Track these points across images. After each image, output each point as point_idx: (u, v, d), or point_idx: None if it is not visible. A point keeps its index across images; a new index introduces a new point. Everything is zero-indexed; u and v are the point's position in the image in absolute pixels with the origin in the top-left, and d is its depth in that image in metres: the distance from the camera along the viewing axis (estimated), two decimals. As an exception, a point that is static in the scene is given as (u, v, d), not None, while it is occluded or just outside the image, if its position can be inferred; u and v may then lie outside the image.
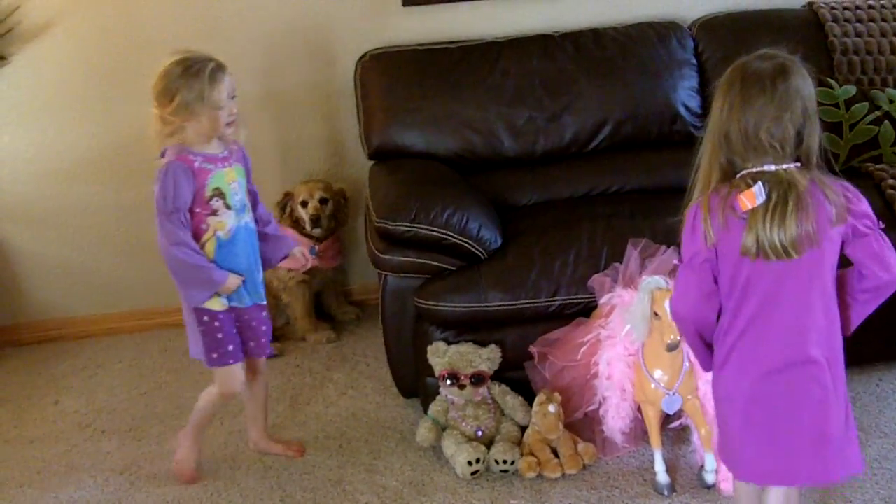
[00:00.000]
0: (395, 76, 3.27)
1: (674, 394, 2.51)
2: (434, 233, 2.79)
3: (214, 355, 2.55)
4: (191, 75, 2.37)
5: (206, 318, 2.51)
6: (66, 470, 2.83)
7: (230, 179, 2.48)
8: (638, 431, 2.68)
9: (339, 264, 3.57)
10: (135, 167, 3.48)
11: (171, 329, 3.62)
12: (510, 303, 2.78)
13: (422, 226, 2.78)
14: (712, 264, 1.97)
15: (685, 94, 3.30)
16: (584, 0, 3.39)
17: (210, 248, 2.47)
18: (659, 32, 3.37)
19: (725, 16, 3.38)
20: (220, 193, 2.45)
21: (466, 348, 2.77)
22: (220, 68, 2.42)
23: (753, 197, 1.88)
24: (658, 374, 2.51)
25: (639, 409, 2.63)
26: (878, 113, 3.22)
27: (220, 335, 2.53)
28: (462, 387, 2.73)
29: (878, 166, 3.14)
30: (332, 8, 3.39)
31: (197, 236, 2.45)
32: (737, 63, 1.99)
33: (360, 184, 3.53)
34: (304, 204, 3.36)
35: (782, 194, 1.87)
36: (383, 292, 2.89)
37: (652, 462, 2.58)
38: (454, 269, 2.83)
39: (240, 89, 2.41)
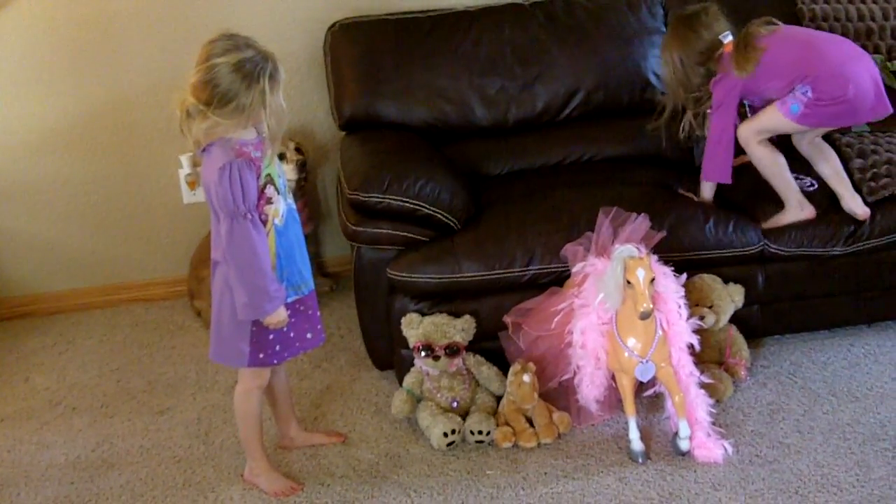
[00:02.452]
0: (365, 46, 3.24)
1: (647, 362, 2.52)
2: (407, 204, 2.78)
3: (261, 355, 2.40)
4: (249, 79, 2.17)
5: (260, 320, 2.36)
6: (36, 448, 2.80)
7: (272, 161, 2.33)
8: (612, 400, 2.70)
9: (309, 231, 3.54)
10: (104, 139, 3.44)
11: (143, 303, 3.60)
12: (484, 273, 2.78)
13: (394, 197, 2.77)
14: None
15: (655, 62, 3.28)
16: (555, -32, 3.37)
17: (272, 239, 2.33)
18: (629, 1, 3.35)
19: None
20: (270, 179, 2.31)
21: (441, 319, 2.77)
22: (277, 69, 2.22)
23: None
24: (631, 342, 2.52)
25: (613, 378, 2.65)
26: (846, 79, 3.22)
27: (271, 336, 2.39)
28: (437, 358, 2.73)
29: (844, 140, 3.11)
30: (301, -25, 3.35)
31: None
32: None
33: (332, 155, 3.52)
34: (282, 157, 3.29)
35: None
36: (356, 264, 2.88)
37: (626, 430, 2.60)
38: (427, 240, 2.83)
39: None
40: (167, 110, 3.29)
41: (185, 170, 3.49)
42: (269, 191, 2.31)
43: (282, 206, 2.35)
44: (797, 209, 2.91)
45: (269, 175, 2.31)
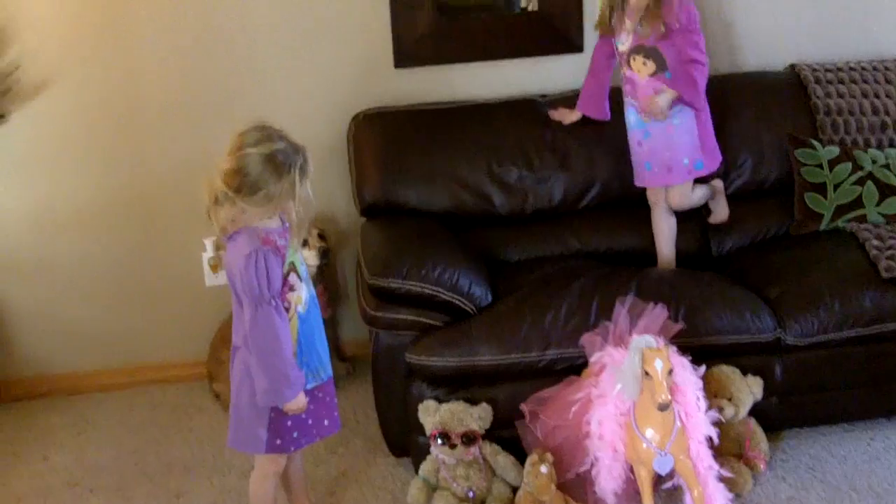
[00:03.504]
0: (387, 135, 3.32)
1: (665, 454, 2.51)
2: (425, 289, 2.81)
3: (278, 441, 2.41)
4: (279, 170, 2.22)
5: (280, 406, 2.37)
6: (53, 529, 2.81)
7: (294, 248, 2.38)
8: (630, 492, 2.67)
9: (328, 315, 3.57)
10: (129, 220, 3.50)
11: (161, 384, 3.61)
12: (501, 357, 2.80)
13: (413, 282, 2.80)
14: None
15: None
16: (570, 64, 3.45)
17: (294, 325, 2.36)
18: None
19: (711, 78, 3.42)
20: (293, 267, 2.35)
21: (457, 407, 2.77)
22: (307, 161, 2.27)
23: None
24: (650, 433, 2.52)
25: (631, 470, 2.63)
26: (861, 173, 3.26)
27: (289, 422, 2.40)
28: (453, 446, 2.73)
29: (862, 226, 3.19)
30: (327, 69, 3.44)
31: None
32: None
33: (352, 240, 3.57)
34: (305, 243, 3.33)
35: None
36: (374, 349, 2.90)
37: (644, 522, 2.58)
38: (444, 325, 2.85)
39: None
40: (192, 193, 3.40)
41: (209, 252, 3.54)
42: (293, 278, 2.35)
43: (304, 293, 2.38)
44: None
45: (292, 263, 2.35)
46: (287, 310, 2.34)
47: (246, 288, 2.26)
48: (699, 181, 3.21)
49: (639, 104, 3.09)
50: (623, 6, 3.06)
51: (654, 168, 3.14)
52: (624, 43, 3.08)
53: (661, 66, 3.03)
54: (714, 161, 3.16)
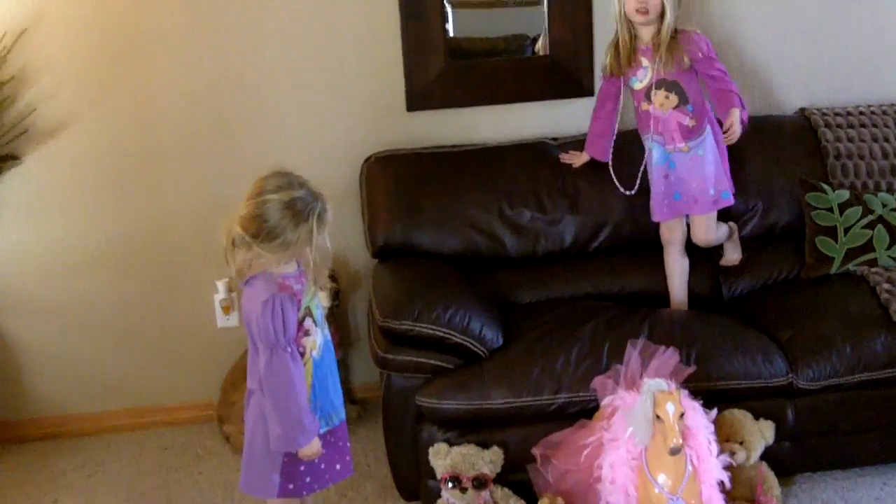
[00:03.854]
0: (399, 177, 3.34)
1: (677, 498, 2.50)
2: (437, 332, 2.81)
3: (291, 486, 2.40)
4: (298, 217, 2.24)
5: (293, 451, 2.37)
6: (62, 572, 2.80)
7: (312, 293, 2.39)
8: (642, 536, 2.66)
9: (340, 357, 3.57)
10: (142, 262, 3.52)
11: (172, 426, 3.61)
12: (512, 400, 2.79)
13: (425, 325, 2.81)
14: None
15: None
16: (581, 107, 3.47)
17: (308, 370, 2.36)
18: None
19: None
20: (309, 312, 2.36)
21: (469, 450, 2.76)
22: (325, 209, 2.28)
23: None
24: (661, 478, 2.50)
25: (642, 514, 2.62)
26: (871, 217, 3.27)
27: (302, 467, 2.40)
28: (464, 490, 2.72)
29: (873, 270, 3.19)
30: (340, 111, 3.48)
31: None
32: None
33: (364, 283, 3.58)
34: None
35: None
36: (386, 392, 2.91)
37: (656, 568, 2.56)
38: (455, 367, 2.85)
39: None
40: (204, 235, 3.46)
41: (221, 294, 3.55)
42: (308, 323, 2.36)
43: (319, 338, 2.39)
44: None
45: (308, 308, 2.36)
46: (302, 355, 2.34)
47: (261, 333, 2.27)
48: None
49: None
50: (633, 45, 3.10)
51: (682, 198, 3.15)
52: (641, 80, 3.11)
53: (684, 100, 3.07)
54: (732, 192, 3.19)
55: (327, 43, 3.42)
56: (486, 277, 3.28)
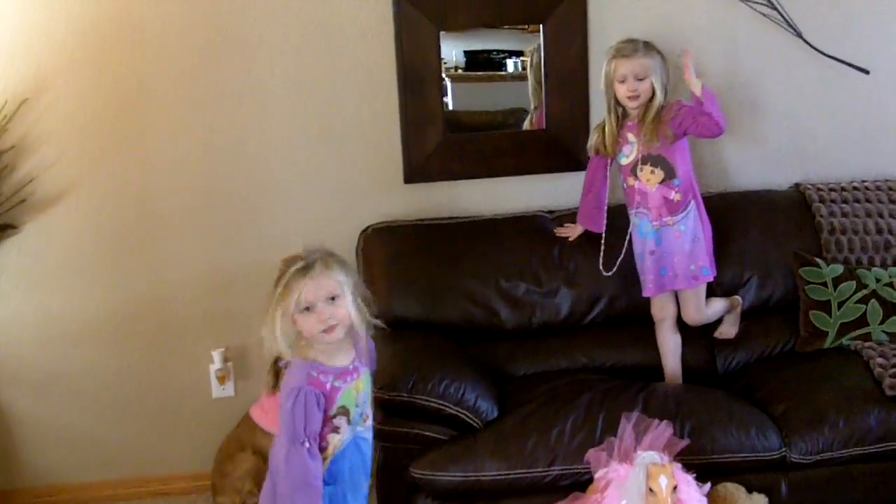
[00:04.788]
0: (396, 249, 3.37)
1: (671, 573, 2.47)
2: (431, 403, 2.81)
3: None
4: (286, 265, 2.30)
5: None
6: None
7: (357, 391, 2.38)
8: None
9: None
10: (139, 332, 3.53)
11: (166, 497, 3.58)
12: (506, 472, 2.78)
13: (419, 396, 2.81)
14: None
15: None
16: (576, 181, 3.50)
17: (325, 466, 2.35)
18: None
19: (717, 195, 3.50)
20: (344, 411, 2.35)
21: (462, 523, 2.74)
22: (312, 264, 2.30)
23: None
24: (655, 552, 2.48)
25: (636, 589, 2.58)
26: (865, 291, 3.28)
27: None
28: (457, 563, 2.69)
29: (866, 344, 3.19)
30: (338, 182, 3.52)
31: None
32: None
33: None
34: None
35: None
36: (380, 463, 2.88)
37: None
38: (450, 439, 2.84)
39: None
40: (202, 306, 3.48)
41: (216, 364, 3.55)
42: (339, 420, 2.34)
43: (347, 436, 2.36)
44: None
45: (343, 406, 2.34)
46: (324, 449, 2.33)
47: (283, 423, 2.27)
48: (710, 294, 3.23)
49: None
50: (620, 123, 3.15)
51: (668, 273, 3.17)
52: (628, 156, 3.16)
53: (670, 174, 3.10)
54: (714, 269, 3.20)
55: (327, 115, 3.47)
56: (482, 349, 3.28)
